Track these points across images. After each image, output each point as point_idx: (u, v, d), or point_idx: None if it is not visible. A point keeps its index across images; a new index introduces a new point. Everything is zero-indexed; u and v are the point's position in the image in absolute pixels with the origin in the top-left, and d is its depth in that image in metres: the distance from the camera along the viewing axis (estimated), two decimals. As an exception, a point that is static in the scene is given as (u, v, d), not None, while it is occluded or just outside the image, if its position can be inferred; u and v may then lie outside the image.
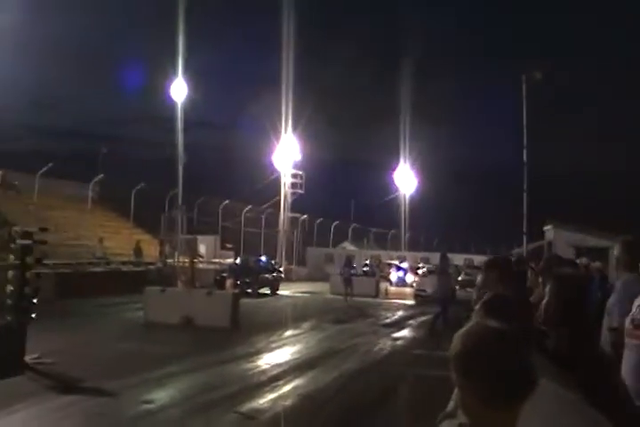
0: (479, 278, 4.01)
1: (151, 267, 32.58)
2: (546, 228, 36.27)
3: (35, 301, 12.30)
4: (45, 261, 26.51)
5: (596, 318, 4.99)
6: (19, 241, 12.22)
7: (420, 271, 42.19)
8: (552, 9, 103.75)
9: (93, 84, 67.71)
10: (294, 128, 50.05)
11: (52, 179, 36.96)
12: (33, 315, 12.24)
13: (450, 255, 38.02)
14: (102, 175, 37.63)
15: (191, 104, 45.18)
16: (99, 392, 10.13)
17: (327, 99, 64.47)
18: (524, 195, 36.29)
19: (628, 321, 4.30)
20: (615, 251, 5.51)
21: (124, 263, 33.18)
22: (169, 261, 34.75)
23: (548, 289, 3.35)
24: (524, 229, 36.47)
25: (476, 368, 1.82)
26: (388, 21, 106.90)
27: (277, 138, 50.05)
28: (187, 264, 24.69)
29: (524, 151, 36.55)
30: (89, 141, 54.32)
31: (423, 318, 22.98)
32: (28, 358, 11.94)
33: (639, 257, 5.15)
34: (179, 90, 44.67)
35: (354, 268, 33.85)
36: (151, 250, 38.01)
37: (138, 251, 35.19)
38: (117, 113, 63.26)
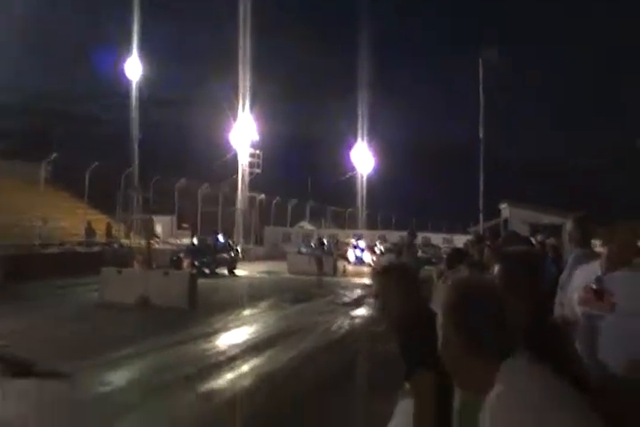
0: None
1: (107, 248, 32.21)
2: (501, 206, 36.63)
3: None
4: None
5: (551, 293, 5.02)
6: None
7: (377, 250, 42.37)
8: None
9: (45, 62, 66.29)
10: (251, 106, 49.70)
11: (2, 159, 36.20)
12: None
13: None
14: (55, 155, 36.91)
15: (146, 81, 44.60)
16: (53, 375, 9.96)
17: (284, 77, 63.98)
18: (481, 173, 36.58)
19: (581, 291, 4.36)
20: (567, 227, 5.60)
21: (79, 244, 32.73)
22: (125, 241, 34.46)
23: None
24: (481, 207, 36.81)
25: (471, 319, 1.87)
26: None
27: (234, 116, 49.62)
28: (143, 244, 24.46)
29: (481, 129, 36.78)
30: (42, 120, 53.07)
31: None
32: (-21, 342, 11.72)
33: (590, 232, 5.21)
34: (133, 67, 43.99)
35: (325, 246, 33.89)
36: (111, 230, 37.53)
37: (90, 231, 34.69)
38: (70, 91, 62.10)
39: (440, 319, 1.97)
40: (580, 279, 4.52)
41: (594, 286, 4.27)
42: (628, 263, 4.33)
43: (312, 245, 43.26)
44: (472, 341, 1.87)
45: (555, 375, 1.93)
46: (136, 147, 42.36)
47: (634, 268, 4.37)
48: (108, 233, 35.91)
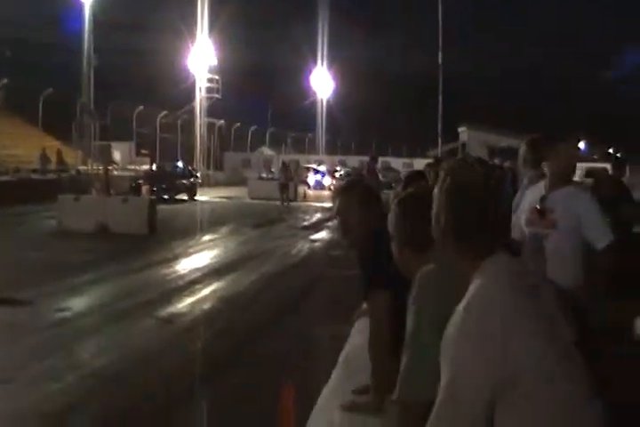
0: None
1: (63, 175, 31.74)
2: (460, 129, 36.77)
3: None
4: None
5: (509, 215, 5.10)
6: None
7: (337, 175, 42.41)
8: None
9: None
10: (210, 30, 48.48)
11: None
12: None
13: (367, 158, 38.23)
14: (6, 80, 35.86)
15: (100, 4, 43.01)
16: (11, 302, 9.91)
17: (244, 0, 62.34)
18: (439, 96, 36.48)
19: (528, 212, 4.49)
20: (520, 150, 5.67)
21: (33, 171, 32.18)
22: (82, 168, 33.96)
23: None
24: (439, 131, 36.87)
25: (463, 204, 1.86)
26: None
27: (192, 41, 48.40)
28: (101, 171, 24.15)
29: (440, 54, 36.52)
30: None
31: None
32: None
33: (541, 154, 5.26)
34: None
35: (289, 171, 33.77)
36: (62, 157, 36.91)
37: (44, 158, 34.04)
38: (21, 15, 59.88)
39: (435, 206, 1.96)
40: (528, 201, 4.64)
41: (537, 206, 4.39)
42: (569, 181, 4.45)
43: (272, 170, 43.20)
44: (466, 229, 1.87)
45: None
46: (91, 73, 41.22)
47: (574, 185, 4.52)
48: (60, 160, 35.22)
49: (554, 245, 4.26)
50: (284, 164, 32.95)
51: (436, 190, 1.95)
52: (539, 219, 4.37)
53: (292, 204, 30.64)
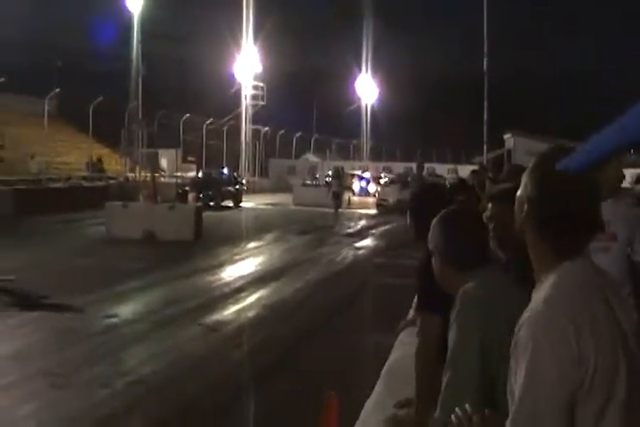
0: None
1: (113, 182, 32.24)
2: (505, 136, 36.45)
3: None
4: (2, 178, 26.30)
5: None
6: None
7: (382, 181, 42.36)
8: None
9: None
10: (255, 39, 48.92)
11: (6, 94, 35.86)
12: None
13: (412, 164, 38.17)
14: (58, 89, 36.53)
15: (149, 15, 43.69)
16: (62, 308, 10.12)
17: (287, 7, 62.68)
18: (485, 103, 36.23)
19: None
20: None
21: (84, 178, 32.76)
22: (131, 175, 34.43)
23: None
24: (485, 138, 36.60)
25: (553, 212, 1.74)
26: None
27: (238, 49, 48.88)
28: (148, 178, 24.46)
29: (485, 60, 36.29)
30: (44, 54, 52.22)
31: (385, 228, 23.21)
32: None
33: None
34: (135, 1, 43.05)
35: (343, 179, 33.65)
36: (112, 164, 37.56)
37: (93, 165, 34.58)
38: (73, 25, 60.84)
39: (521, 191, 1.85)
40: None
41: None
42: (618, 190, 4.38)
43: (317, 176, 43.25)
44: (551, 222, 1.76)
45: None
46: (140, 81, 41.84)
47: (624, 193, 4.51)
48: (101, 168, 35.72)
49: (614, 257, 4.20)
50: (337, 171, 32.85)
51: (524, 176, 1.83)
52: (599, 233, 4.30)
53: (338, 210, 30.70)
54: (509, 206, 3.18)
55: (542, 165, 1.79)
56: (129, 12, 42.91)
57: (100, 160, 36.08)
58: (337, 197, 30.42)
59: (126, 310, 10.60)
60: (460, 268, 2.49)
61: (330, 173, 43.89)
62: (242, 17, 48.03)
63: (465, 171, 37.60)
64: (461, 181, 8.69)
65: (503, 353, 1.84)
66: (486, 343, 2.15)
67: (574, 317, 1.67)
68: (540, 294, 1.75)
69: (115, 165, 37.67)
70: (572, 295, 1.72)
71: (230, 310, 10.70)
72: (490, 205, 3.28)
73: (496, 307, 2.22)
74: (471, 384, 2.04)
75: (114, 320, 9.69)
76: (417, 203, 3.67)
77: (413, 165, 43.02)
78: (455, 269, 2.52)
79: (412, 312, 5.04)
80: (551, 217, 1.75)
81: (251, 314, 10.52)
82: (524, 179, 1.83)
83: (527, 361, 1.67)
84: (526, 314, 1.74)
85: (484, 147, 36.72)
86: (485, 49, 36.28)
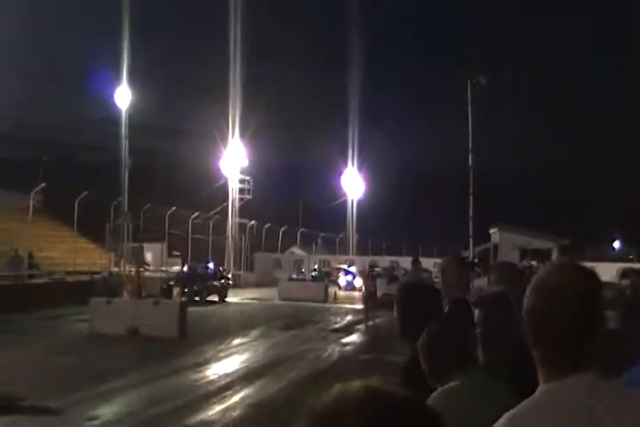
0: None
1: (97, 276, 32.01)
2: (491, 231, 36.82)
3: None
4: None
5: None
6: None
7: (373, 275, 42.20)
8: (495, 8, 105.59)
9: (34, 90, 66.42)
10: (241, 133, 49.89)
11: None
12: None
13: (398, 258, 38.23)
14: (44, 184, 36.78)
15: (136, 109, 44.64)
16: (41, 411, 9.87)
17: (274, 104, 64.27)
18: (470, 198, 36.75)
19: None
20: (553, 255, 5.88)
21: (67, 273, 32.48)
22: (115, 269, 34.24)
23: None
24: (470, 233, 36.93)
25: (549, 307, 1.72)
26: (333, 23, 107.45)
27: (224, 143, 49.76)
28: (133, 273, 24.36)
29: (470, 156, 37.05)
30: (30, 149, 53.04)
31: (371, 323, 22.97)
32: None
33: (574, 260, 5.31)
34: (123, 95, 44.07)
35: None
36: (96, 258, 37.35)
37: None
38: (60, 119, 62.11)
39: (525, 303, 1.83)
40: None
41: None
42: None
43: (302, 271, 43.21)
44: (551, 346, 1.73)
45: None
46: (126, 175, 42.30)
47: (607, 288, 4.49)
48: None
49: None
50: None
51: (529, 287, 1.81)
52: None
53: (324, 305, 30.46)
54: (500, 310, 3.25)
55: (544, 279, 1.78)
56: (117, 106, 43.86)
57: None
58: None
59: (108, 411, 10.33)
60: (443, 375, 2.75)
61: (315, 266, 43.94)
62: (228, 111, 49.13)
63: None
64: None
65: None
66: None
67: None
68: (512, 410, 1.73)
69: (99, 259, 37.45)
70: (534, 416, 1.66)
71: (215, 410, 10.47)
72: (483, 311, 3.31)
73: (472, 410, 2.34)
74: None
75: (95, 423, 9.44)
76: (404, 300, 3.67)
77: (399, 259, 43.10)
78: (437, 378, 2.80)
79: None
80: (548, 328, 1.73)
81: (236, 413, 10.30)
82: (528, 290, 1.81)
83: None
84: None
85: (470, 242, 36.99)
86: (470, 145, 37.08)
